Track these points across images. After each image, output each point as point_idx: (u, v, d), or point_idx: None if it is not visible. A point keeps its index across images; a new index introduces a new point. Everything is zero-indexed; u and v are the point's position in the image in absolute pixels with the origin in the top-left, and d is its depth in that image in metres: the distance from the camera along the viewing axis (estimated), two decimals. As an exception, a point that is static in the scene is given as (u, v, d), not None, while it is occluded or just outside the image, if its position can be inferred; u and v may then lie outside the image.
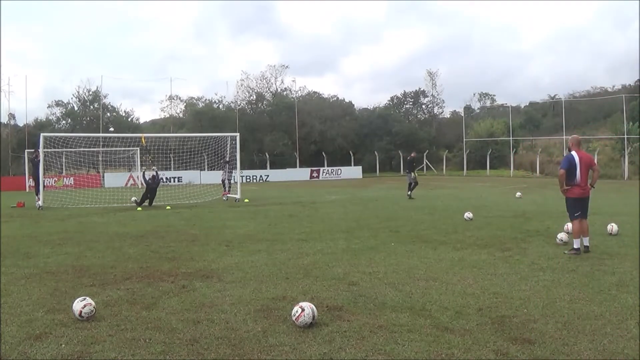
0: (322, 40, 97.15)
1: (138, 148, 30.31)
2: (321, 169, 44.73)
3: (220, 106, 54.56)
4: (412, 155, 21.44)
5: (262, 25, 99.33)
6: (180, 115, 55.43)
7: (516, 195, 19.60)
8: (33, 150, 21.27)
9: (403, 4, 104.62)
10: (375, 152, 48.96)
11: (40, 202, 16.96)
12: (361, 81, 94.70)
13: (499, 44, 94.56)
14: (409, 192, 19.44)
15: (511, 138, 47.05)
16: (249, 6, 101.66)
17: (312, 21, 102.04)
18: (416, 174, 20.11)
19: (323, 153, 47.44)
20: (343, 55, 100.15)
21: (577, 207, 7.66)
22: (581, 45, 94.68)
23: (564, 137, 44.10)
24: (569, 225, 9.32)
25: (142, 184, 18.39)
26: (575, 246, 7.54)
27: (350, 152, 48.72)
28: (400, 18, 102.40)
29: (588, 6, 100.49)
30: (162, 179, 18.99)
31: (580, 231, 7.56)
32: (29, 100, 78.47)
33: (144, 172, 18.88)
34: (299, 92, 56.85)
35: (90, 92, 49.42)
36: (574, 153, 7.65)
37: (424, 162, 51.21)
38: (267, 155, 45.76)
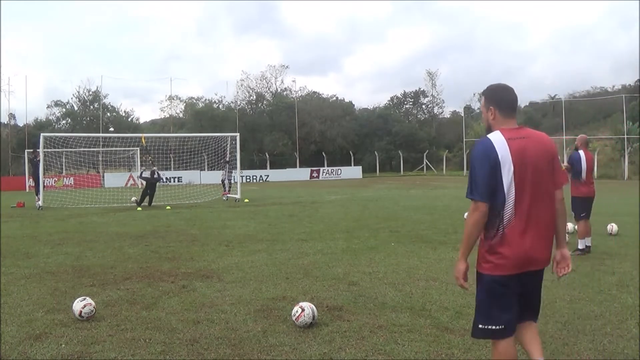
0: (326, 40, 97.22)
1: (138, 148, 30.31)
2: (321, 169, 44.73)
3: (220, 106, 54.62)
4: None
5: (265, 25, 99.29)
6: (180, 115, 55.52)
7: None
8: (32, 150, 21.26)
9: (408, 3, 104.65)
10: (375, 152, 48.97)
11: (40, 202, 16.95)
12: (364, 81, 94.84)
13: (502, 43, 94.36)
14: None
15: (511, 138, 46.97)
16: (253, 5, 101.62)
17: (316, 20, 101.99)
18: None
19: (323, 153, 47.47)
20: (346, 54, 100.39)
21: (584, 207, 7.71)
22: (585, 45, 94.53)
23: (564, 137, 44.12)
24: (569, 225, 9.32)
25: (142, 183, 18.37)
26: (579, 247, 7.55)
27: (350, 152, 48.74)
28: (405, 17, 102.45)
29: (594, 5, 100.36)
30: (162, 178, 18.94)
31: (586, 232, 7.59)
32: (29, 100, 78.45)
33: (142, 172, 18.87)
34: (299, 92, 56.97)
35: (90, 92, 49.53)
36: (581, 152, 7.74)
37: (424, 162, 51.24)
38: (267, 155, 45.78)
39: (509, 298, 2.70)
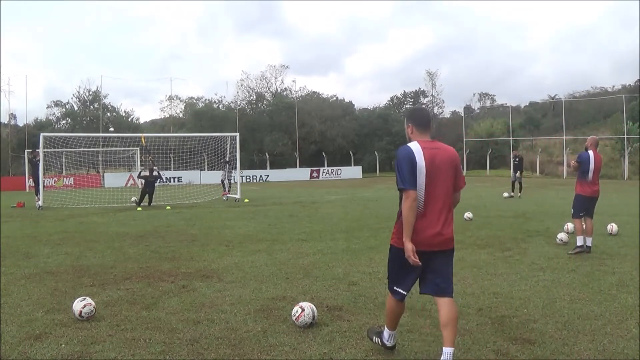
0: (327, 39, 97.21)
1: (138, 148, 30.30)
2: (321, 169, 44.69)
3: (220, 106, 54.59)
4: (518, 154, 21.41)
5: (266, 24, 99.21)
6: (180, 115, 55.47)
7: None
8: (32, 150, 21.26)
9: (408, 3, 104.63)
10: (375, 152, 48.97)
11: (40, 202, 16.96)
12: (365, 81, 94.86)
13: (504, 43, 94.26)
14: (519, 194, 19.25)
15: (511, 138, 47.02)
16: (253, 5, 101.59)
17: (317, 20, 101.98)
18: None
19: (323, 153, 47.43)
20: (347, 54, 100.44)
21: (584, 206, 7.72)
22: (585, 45, 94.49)
23: (564, 137, 44.13)
24: (569, 225, 9.32)
25: (141, 183, 18.38)
26: (578, 243, 7.56)
27: (350, 152, 48.72)
28: (405, 17, 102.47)
29: (595, 5, 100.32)
30: (162, 177, 18.94)
31: (582, 230, 7.59)
32: (29, 100, 78.52)
33: (140, 172, 18.88)
34: (299, 92, 56.94)
35: (91, 92, 49.49)
36: (590, 152, 7.74)
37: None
38: (267, 155, 45.76)
39: (410, 267, 3.33)
